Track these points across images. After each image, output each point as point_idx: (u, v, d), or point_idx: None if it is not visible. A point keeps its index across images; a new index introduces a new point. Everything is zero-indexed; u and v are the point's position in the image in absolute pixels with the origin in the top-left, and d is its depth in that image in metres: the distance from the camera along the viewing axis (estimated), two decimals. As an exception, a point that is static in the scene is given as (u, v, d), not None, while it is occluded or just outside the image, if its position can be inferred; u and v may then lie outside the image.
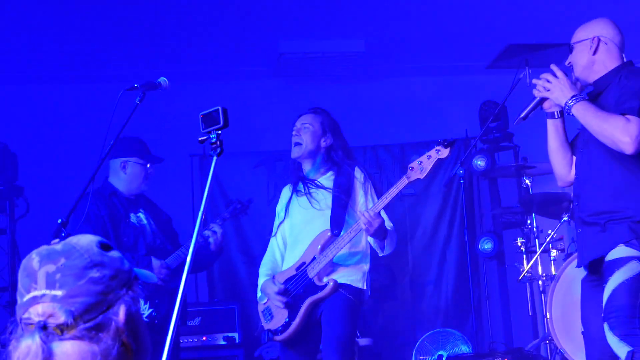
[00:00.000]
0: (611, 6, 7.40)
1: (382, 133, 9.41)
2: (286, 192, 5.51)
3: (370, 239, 5.19)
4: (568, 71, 4.30)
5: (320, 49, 8.72)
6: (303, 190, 5.32)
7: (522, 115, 4.26)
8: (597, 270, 4.10)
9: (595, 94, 4.24)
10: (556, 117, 4.31)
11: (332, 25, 8.34)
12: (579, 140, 4.34)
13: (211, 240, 5.65)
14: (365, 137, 9.03)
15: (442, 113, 9.30)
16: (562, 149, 4.34)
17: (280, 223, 5.46)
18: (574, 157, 4.35)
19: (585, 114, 4.04)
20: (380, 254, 5.27)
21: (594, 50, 4.22)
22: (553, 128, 4.34)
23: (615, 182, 4.08)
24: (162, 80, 4.45)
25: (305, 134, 5.31)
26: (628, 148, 3.90)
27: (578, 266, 4.33)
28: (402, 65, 9.61)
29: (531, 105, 4.26)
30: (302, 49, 8.70)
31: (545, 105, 4.26)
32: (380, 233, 5.03)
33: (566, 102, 4.09)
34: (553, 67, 4.21)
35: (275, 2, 7.66)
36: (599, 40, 4.22)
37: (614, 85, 4.12)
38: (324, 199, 5.26)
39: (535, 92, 4.24)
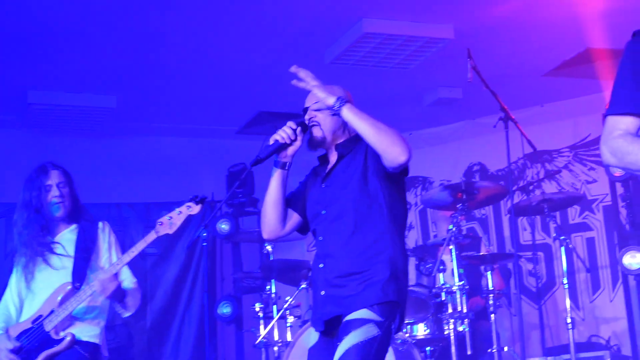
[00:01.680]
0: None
1: (129, 191, 9.32)
2: None
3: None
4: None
5: (70, 101, 8.56)
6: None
7: (260, 156, 4.15)
8: (332, 331, 4.11)
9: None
10: (285, 168, 4.24)
11: (83, 79, 8.21)
12: (314, 198, 4.33)
13: None
14: (111, 194, 8.91)
15: (191, 174, 9.33)
16: (281, 201, 4.27)
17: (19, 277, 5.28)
18: (290, 211, 4.39)
19: (358, 114, 4.02)
20: (125, 314, 5.18)
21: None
22: (279, 179, 4.23)
23: (366, 242, 4.06)
24: None
25: (64, 189, 5.23)
26: (403, 154, 3.93)
27: (314, 325, 4.25)
28: (153, 124, 9.60)
29: (270, 149, 4.17)
30: (51, 101, 8.50)
31: (283, 154, 4.20)
32: (117, 295, 4.95)
33: (334, 105, 4.06)
34: (295, 69, 4.27)
35: (26, 50, 7.46)
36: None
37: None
38: (66, 252, 5.15)
39: (275, 137, 4.18)
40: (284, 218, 4.31)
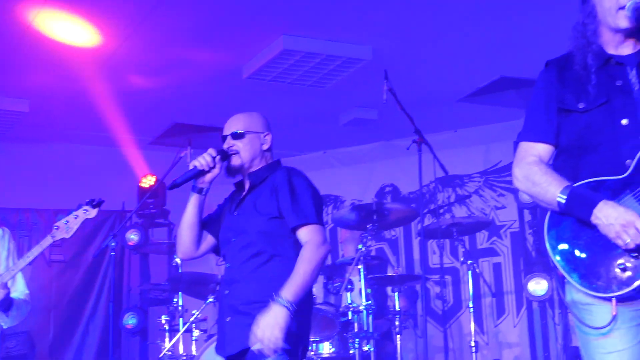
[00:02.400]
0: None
1: (38, 197, 9.17)
2: None
3: None
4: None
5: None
6: None
7: (177, 181, 4.15)
8: (238, 358, 4.12)
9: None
10: (202, 193, 4.25)
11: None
12: (226, 225, 4.32)
13: None
14: (19, 200, 8.75)
15: (102, 183, 9.20)
16: (196, 225, 4.28)
17: None
18: (205, 233, 4.36)
19: (299, 291, 4.00)
20: (5, 326, 5.05)
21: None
22: (196, 203, 4.25)
23: (272, 272, 4.09)
24: None
25: None
26: (327, 252, 4.09)
27: (218, 352, 4.28)
28: (65, 131, 9.47)
29: (188, 174, 4.17)
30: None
31: (201, 180, 4.19)
32: (3, 304, 4.86)
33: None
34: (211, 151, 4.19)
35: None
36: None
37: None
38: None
39: (194, 163, 4.17)
40: (199, 240, 4.34)
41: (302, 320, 4.08)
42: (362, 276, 6.65)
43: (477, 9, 6.96)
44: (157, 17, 6.80)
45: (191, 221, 4.27)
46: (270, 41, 7.41)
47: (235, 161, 4.24)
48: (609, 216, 3.02)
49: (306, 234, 4.08)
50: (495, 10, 6.99)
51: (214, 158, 4.16)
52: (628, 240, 2.98)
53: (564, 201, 3.13)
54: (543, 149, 3.32)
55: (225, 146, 4.27)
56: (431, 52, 7.75)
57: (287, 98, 8.62)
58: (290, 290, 3.92)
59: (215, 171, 4.20)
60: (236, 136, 4.26)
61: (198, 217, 4.28)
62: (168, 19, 6.84)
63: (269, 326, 3.85)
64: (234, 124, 4.30)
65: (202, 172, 4.17)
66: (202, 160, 4.15)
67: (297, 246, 4.11)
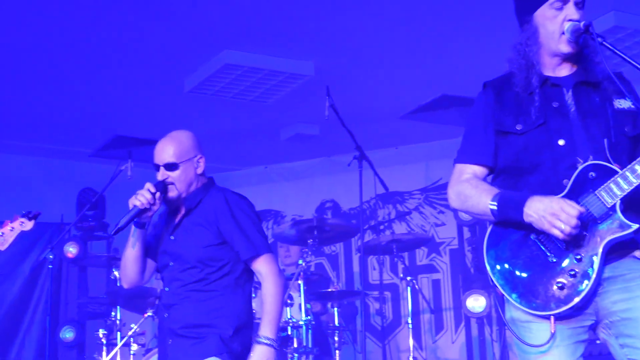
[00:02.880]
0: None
1: (-27, 208, 9.03)
2: None
3: None
4: None
5: None
6: None
7: (120, 224, 4.11)
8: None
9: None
10: (145, 228, 4.25)
11: None
12: (163, 249, 4.30)
13: None
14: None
15: (40, 195, 9.11)
16: (141, 257, 4.27)
17: None
18: (148, 260, 4.33)
19: (275, 327, 4.09)
20: None
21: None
22: (140, 238, 4.24)
23: (210, 296, 4.09)
24: None
25: None
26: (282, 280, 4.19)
27: None
28: (2, 141, 9.34)
29: (130, 215, 4.11)
30: None
31: (142, 216, 4.15)
32: None
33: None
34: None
35: None
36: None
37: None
38: None
39: (134, 201, 4.12)
40: (144, 270, 4.34)
41: (244, 340, 4.11)
42: (301, 291, 6.66)
43: (420, 27, 7.02)
44: (99, 26, 6.74)
45: (136, 255, 4.26)
46: (212, 55, 7.40)
47: (172, 192, 4.22)
48: (538, 210, 3.06)
49: (261, 266, 4.14)
50: (437, 29, 7.05)
51: (153, 195, 4.12)
52: (563, 227, 3.02)
53: (495, 207, 3.18)
54: (478, 170, 3.37)
55: (159, 177, 4.23)
56: (373, 69, 7.80)
57: (229, 112, 8.61)
58: (269, 328, 4.04)
59: (156, 207, 4.17)
60: (169, 168, 4.22)
61: (142, 250, 4.28)
62: (110, 29, 6.79)
63: None
64: (166, 154, 4.24)
65: (144, 210, 4.13)
66: (142, 199, 4.10)
67: (235, 271, 4.15)
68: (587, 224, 3.09)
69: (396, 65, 7.72)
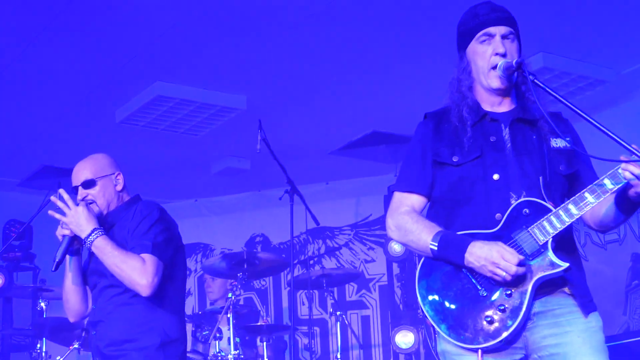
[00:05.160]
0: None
1: None
2: None
3: None
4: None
5: None
6: None
7: (58, 258, 4.06)
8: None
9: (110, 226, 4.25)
10: (79, 253, 4.20)
11: None
12: (91, 269, 4.24)
13: None
14: None
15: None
16: (81, 285, 4.23)
17: None
18: (88, 289, 4.28)
19: (104, 251, 3.96)
20: None
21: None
22: (77, 265, 4.20)
23: (137, 311, 4.05)
24: None
25: None
26: (144, 291, 3.92)
27: None
28: None
29: (63, 247, 4.07)
30: None
31: (75, 243, 4.11)
32: None
33: (86, 238, 3.99)
34: (62, 192, 4.10)
35: None
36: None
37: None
38: None
39: (62, 232, 4.08)
40: (87, 298, 4.28)
41: (171, 356, 4.06)
42: (231, 325, 6.64)
43: (352, 64, 7.08)
44: (28, 53, 6.68)
45: (76, 282, 4.23)
46: (144, 86, 7.37)
47: (94, 210, 4.18)
48: (479, 258, 3.10)
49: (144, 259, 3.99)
50: (368, 66, 7.12)
51: None
52: (504, 274, 3.07)
53: (436, 248, 3.20)
54: (416, 200, 3.40)
55: (79, 198, 4.20)
56: (305, 104, 7.85)
57: (160, 144, 8.58)
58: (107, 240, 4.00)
59: None
60: (87, 185, 4.21)
61: (81, 277, 4.24)
62: (40, 57, 6.73)
63: None
64: (81, 173, 4.24)
65: (74, 237, 4.09)
66: (63, 225, 4.07)
67: (164, 286, 4.07)
68: (524, 258, 3.12)
69: (327, 100, 7.77)
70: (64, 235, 4.08)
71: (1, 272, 8.12)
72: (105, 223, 4.20)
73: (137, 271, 3.92)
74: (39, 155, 8.82)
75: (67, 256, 4.16)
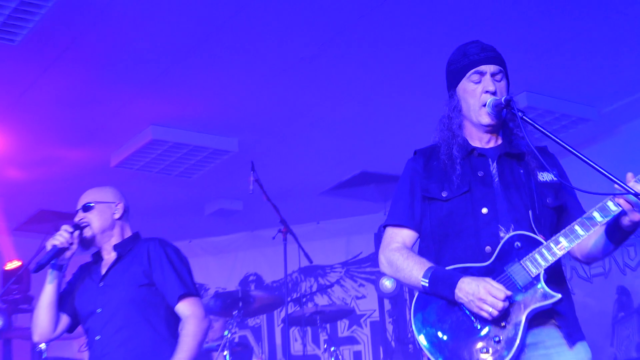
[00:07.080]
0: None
1: None
2: None
3: None
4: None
5: None
6: None
7: (41, 261, 4.08)
8: None
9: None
10: (62, 270, 4.22)
11: None
12: (88, 297, 4.29)
13: None
14: None
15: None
16: (56, 303, 4.24)
17: None
18: (60, 313, 4.29)
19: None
20: None
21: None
22: (56, 281, 4.21)
23: (143, 344, 4.10)
24: None
25: None
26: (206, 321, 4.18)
27: None
28: None
29: (50, 254, 4.12)
30: None
31: (61, 257, 4.15)
32: None
33: None
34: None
35: None
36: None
37: None
38: None
39: (52, 242, 4.13)
40: (57, 320, 4.31)
41: None
42: (227, 362, 6.73)
43: (340, 106, 7.21)
44: (23, 102, 6.81)
45: (50, 299, 4.23)
46: (139, 130, 7.48)
47: (87, 233, 4.28)
48: (467, 294, 3.14)
49: (188, 306, 4.15)
50: (356, 108, 7.25)
51: (71, 234, 4.18)
52: (490, 310, 3.10)
53: (427, 284, 3.24)
54: (407, 235, 3.45)
55: (76, 219, 4.31)
56: (296, 146, 7.95)
57: (154, 187, 8.67)
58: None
59: (74, 247, 4.20)
60: (86, 209, 4.34)
61: (57, 295, 4.26)
62: (35, 105, 6.87)
63: None
64: (84, 198, 4.39)
65: (63, 250, 4.16)
66: (61, 238, 4.15)
67: (168, 316, 4.19)
68: (511, 294, 3.14)
69: (317, 142, 7.89)
70: (53, 245, 4.14)
71: (0, 314, 8.22)
72: (115, 252, 4.31)
73: (197, 328, 4.12)
74: (35, 200, 8.91)
75: (51, 271, 4.21)
